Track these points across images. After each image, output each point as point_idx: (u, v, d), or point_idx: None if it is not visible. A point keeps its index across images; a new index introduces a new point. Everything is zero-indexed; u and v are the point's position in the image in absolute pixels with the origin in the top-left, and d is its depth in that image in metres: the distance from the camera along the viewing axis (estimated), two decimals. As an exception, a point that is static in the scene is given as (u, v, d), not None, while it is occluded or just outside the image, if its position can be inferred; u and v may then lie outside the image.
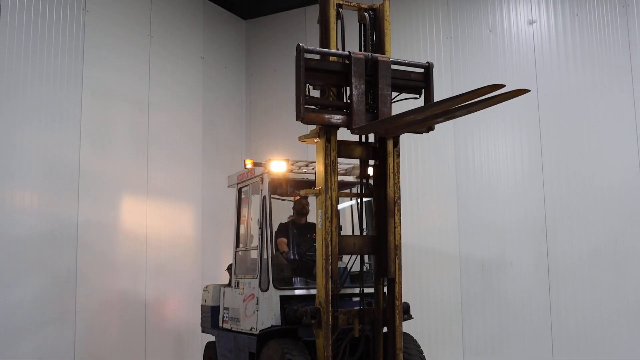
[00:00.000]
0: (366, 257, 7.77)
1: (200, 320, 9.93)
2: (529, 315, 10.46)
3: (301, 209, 8.67)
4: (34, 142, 9.33)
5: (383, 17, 7.09)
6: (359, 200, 7.33)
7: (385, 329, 7.07)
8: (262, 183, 8.12)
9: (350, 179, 8.52)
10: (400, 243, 6.89)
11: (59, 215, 9.59)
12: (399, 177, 6.96)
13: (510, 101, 10.75)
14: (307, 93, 6.68)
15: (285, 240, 8.33)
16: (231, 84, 13.67)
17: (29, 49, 9.34)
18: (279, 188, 8.53)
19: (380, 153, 7.06)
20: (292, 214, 9.00)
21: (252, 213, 8.71)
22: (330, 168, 6.72)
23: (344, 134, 7.03)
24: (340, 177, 7.99)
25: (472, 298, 10.97)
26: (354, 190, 8.42)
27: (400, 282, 6.88)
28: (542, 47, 10.79)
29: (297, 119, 6.53)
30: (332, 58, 6.85)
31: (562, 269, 10.30)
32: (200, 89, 12.69)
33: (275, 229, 8.41)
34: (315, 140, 6.85)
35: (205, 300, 9.68)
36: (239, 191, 9.00)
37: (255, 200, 8.48)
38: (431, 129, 7.05)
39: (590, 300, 10.06)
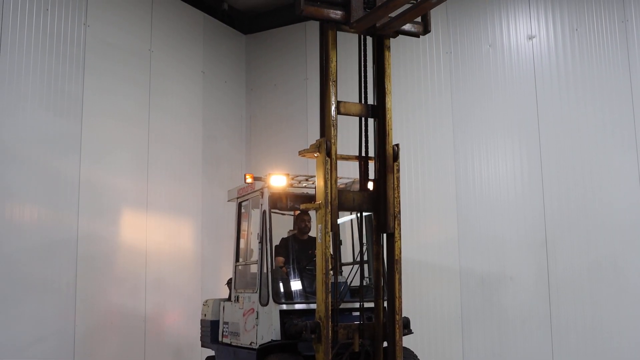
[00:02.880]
0: (366, 272, 7.77)
1: (199, 335, 9.90)
2: (530, 330, 10.43)
3: (303, 227, 8.65)
4: (34, 156, 9.35)
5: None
6: (358, 214, 7.33)
7: (385, 344, 7.05)
8: (262, 197, 8.12)
9: (351, 193, 8.50)
10: (400, 257, 6.88)
11: (59, 229, 9.59)
12: (399, 192, 6.96)
13: (511, 116, 10.88)
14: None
15: (282, 259, 8.31)
16: (231, 98, 13.70)
17: (29, 64, 9.37)
18: (278, 202, 8.52)
19: (379, 110, 7.03)
20: (292, 229, 8.99)
21: (252, 227, 8.71)
22: (330, 182, 6.72)
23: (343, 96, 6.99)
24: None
25: (472, 313, 10.94)
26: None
27: (400, 297, 6.86)
28: (541, 62, 10.82)
29: (296, 12, 6.57)
30: None
31: (563, 284, 10.28)
32: (200, 103, 12.73)
33: (276, 243, 8.42)
34: (315, 155, 6.85)
35: (205, 315, 9.65)
36: (239, 205, 9.00)
37: (255, 215, 8.48)
38: (427, 30, 7.10)
39: (591, 315, 10.04)
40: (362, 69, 7.16)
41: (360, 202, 7.02)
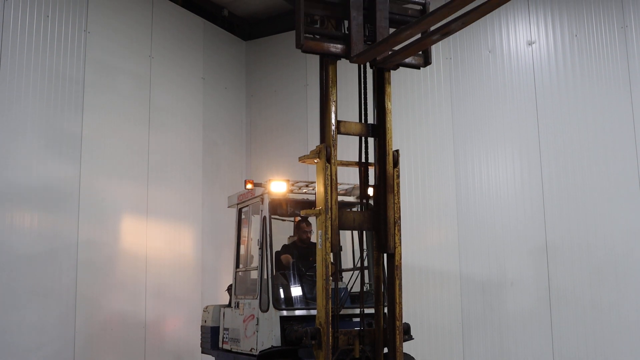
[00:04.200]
0: (366, 278, 7.77)
1: (200, 341, 9.89)
2: (530, 335, 10.42)
3: (305, 238, 8.62)
4: (34, 162, 9.36)
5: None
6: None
7: (385, 350, 7.04)
8: (262, 203, 8.12)
9: (351, 199, 8.52)
10: (400, 264, 6.87)
11: (59, 235, 9.59)
12: (399, 198, 6.96)
13: (511, 122, 10.88)
14: (307, 23, 6.73)
15: (289, 256, 8.32)
16: (231, 104, 13.72)
17: (30, 69, 9.39)
18: (279, 208, 8.51)
19: (379, 130, 7.03)
20: (292, 235, 8.99)
21: (252, 233, 8.71)
22: (330, 188, 6.72)
23: (342, 115, 7.00)
24: (340, 198, 8.00)
25: (472, 318, 10.93)
26: (355, 209, 8.42)
27: (400, 303, 6.85)
28: (541, 68, 10.84)
29: (297, 47, 6.54)
30: None
31: (563, 290, 10.28)
32: (200, 109, 12.74)
33: (277, 249, 8.41)
34: (315, 161, 6.85)
35: (205, 321, 9.65)
36: (239, 211, 9.00)
37: (256, 221, 8.48)
38: (428, 62, 7.08)
39: (592, 321, 10.03)
40: (363, 96, 7.15)
41: (361, 222, 7.04)
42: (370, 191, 7.23)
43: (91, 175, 10.15)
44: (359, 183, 7.33)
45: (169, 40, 12.11)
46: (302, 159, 7.13)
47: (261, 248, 7.93)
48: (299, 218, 8.70)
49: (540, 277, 10.47)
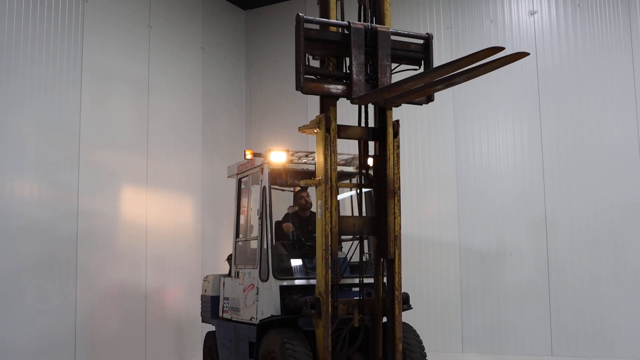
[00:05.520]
0: (366, 247, 7.79)
1: (200, 310, 9.96)
2: (528, 306, 10.48)
3: (304, 204, 8.64)
4: (33, 131, 9.33)
5: (383, -1, 7.07)
6: (358, 190, 7.33)
7: (384, 319, 7.08)
8: (262, 173, 8.11)
9: (350, 169, 8.51)
10: (400, 234, 6.89)
11: (59, 206, 9.59)
12: (398, 168, 6.95)
13: (511, 93, 10.84)
14: (307, 63, 6.66)
15: (290, 225, 8.33)
16: (231, 74, 13.65)
17: (27, 39, 9.31)
18: (278, 178, 8.50)
19: (380, 134, 7.03)
20: (292, 205, 8.99)
21: (252, 203, 8.71)
22: (330, 158, 6.71)
23: (343, 119, 7.00)
24: (340, 168, 7.99)
25: (471, 289, 10.98)
26: (354, 180, 8.41)
27: (399, 273, 6.88)
28: (543, 38, 10.77)
29: (297, 89, 6.50)
30: (331, 28, 6.80)
31: (562, 260, 10.32)
32: (199, 79, 12.67)
33: (277, 219, 8.42)
34: (315, 131, 6.83)
35: (205, 290, 9.70)
36: (239, 182, 9.00)
37: (255, 191, 8.48)
38: (431, 99, 7.02)
39: (590, 292, 10.08)
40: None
41: (361, 227, 7.05)
42: (370, 162, 7.23)
43: (90, 145, 10.12)
44: (358, 153, 7.33)
45: (168, 10, 12.00)
46: (301, 129, 7.11)
47: (261, 218, 7.93)
48: (298, 188, 8.70)
49: (539, 249, 10.50)
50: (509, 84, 10.94)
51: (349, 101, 6.75)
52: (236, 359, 8.46)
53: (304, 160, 8.41)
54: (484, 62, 5.24)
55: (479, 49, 5.02)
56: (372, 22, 7.05)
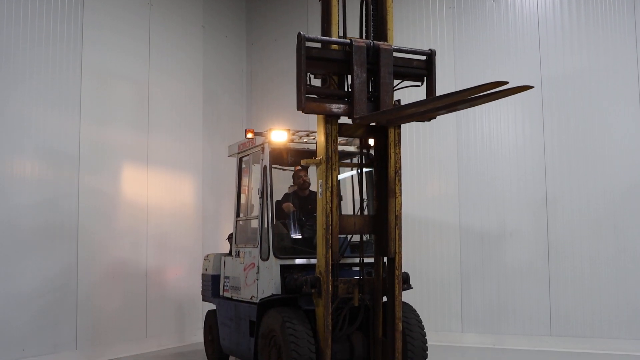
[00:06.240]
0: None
1: (200, 289, 9.99)
2: (528, 286, 10.51)
3: (302, 183, 8.67)
4: (34, 111, 9.30)
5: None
6: (359, 170, 7.33)
7: (384, 299, 7.10)
8: (262, 153, 8.11)
9: (351, 149, 8.50)
10: (400, 213, 6.90)
11: (60, 185, 9.59)
12: (399, 148, 6.94)
13: (513, 71, 10.82)
14: (308, 82, 6.64)
15: (291, 204, 8.36)
16: (232, 53, 13.59)
17: (27, 17, 9.25)
18: (279, 158, 8.51)
19: (380, 135, 7.03)
20: (292, 184, 9.00)
21: (252, 183, 8.72)
22: (331, 138, 6.70)
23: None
24: (341, 147, 7.99)
25: (471, 269, 11.01)
26: (355, 160, 8.41)
27: (400, 252, 6.89)
28: (545, 17, 10.69)
29: (298, 109, 6.48)
30: (333, 46, 6.76)
31: (562, 242, 10.33)
32: (200, 58, 12.62)
33: (277, 198, 8.42)
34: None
35: (206, 269, 9.73)
36: (240, 161, 8.99)
37: (256, 170, 8.47)
38: (432, 117, 7.02)
39: (590, 273, 10.10)
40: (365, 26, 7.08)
41: (361, 226, 7.06)
42: (372, 141, 7.22)
43: (91, 124, 10.10)
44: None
45: (169, -13, 11.94)
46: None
47: (262, 197, 7.94)
48: (299, 167, 8.70)
49: (540, 229, 10.51)
50: (511, 63, 10.88)
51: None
52: (237, 337, 8.51)
53: (305, 140, 8.39)
54: (488, 92, 5.26)
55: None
56: (374, 16, 7.00)
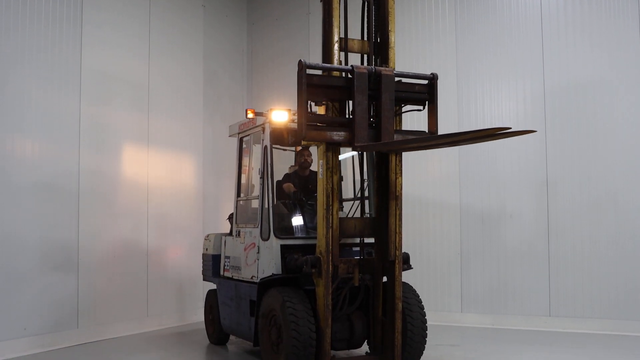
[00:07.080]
0: (367, 208, 7.81)
1: (201, 269, 10.02)
2: (528, 267, 10.54)
3: (303, 162, 8.70)
4: (34, 90, 9.26)
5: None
6: (359, 152, 7.32)
7: (384, 279, 7.13)
8: (263, 133, 8.10)
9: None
10: (401, 193, 6.91)
11: (60, 165, 9.57)
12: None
13: (515, 53, 10.79)
14: (309, 109, 6.63)
15: (291, 185, 8.37)
16: (232, 32, 13.52)
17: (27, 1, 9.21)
18: (280, 138, 8.50)
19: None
20: (293, 164, 8.99)
21: (253, 163, 8.71)
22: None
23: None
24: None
25: (471, 249, 11.04)
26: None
27: (400, 232, 6.91)
28: (549, 3, 10.63)
29: (298, 138, 6.48)
30: (334, 72, 6.74)
31: (562, 222, 10.34)
32: (201, 37, 12.56)
33: (278, 178, 8.42)
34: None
35: (207, 249, 9.75)
36: (240, 141, 8.98)
37: (257, 150, 8.47)
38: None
39: (589, 254, 10.13)
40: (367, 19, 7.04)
41: (362, 229, 7.07)
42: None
43: (91, 104, 10.07)
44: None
45: (169, -34, 11.85)
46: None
47: (262, 177, 7.94)
48: (300, 147, 8.69)
49: (540, 210, 10.52)
50: (513, 45, 10.84)
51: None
52: (237, 317, 8.55)
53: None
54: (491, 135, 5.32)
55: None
56: (376, 16, 6.96)
